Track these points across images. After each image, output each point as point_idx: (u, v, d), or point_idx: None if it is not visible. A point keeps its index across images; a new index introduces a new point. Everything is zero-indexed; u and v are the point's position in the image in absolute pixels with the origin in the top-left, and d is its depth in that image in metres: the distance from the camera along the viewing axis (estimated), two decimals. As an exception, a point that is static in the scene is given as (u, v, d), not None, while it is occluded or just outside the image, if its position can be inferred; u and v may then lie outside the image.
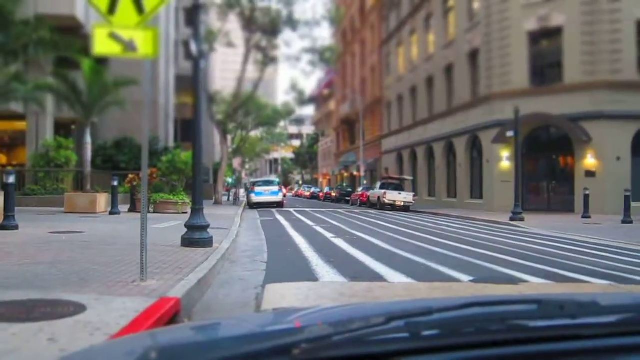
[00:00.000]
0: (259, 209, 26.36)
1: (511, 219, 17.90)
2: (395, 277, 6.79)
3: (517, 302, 1.16)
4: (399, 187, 29.85)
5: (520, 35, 24.31)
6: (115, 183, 16.81)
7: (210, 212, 12.27)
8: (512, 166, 20.92)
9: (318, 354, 0.80)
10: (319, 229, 14.58)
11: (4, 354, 2.98)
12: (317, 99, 78.04)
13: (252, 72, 29.95)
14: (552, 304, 1.14)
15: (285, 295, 5.60)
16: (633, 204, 17.56)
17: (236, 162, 56.51)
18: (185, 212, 15.52)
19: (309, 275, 6.83)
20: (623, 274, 7.33)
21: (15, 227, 10.36)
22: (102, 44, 5.27)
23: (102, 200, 17.52)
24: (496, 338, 0.90)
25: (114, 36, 5.27)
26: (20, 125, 24.43)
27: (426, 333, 0.90)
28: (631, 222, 16.65)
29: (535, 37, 24.41)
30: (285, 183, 71.26)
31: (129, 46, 5.29)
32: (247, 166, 78.55)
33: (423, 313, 0.99)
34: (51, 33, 16.36)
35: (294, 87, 41.50)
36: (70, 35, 18.26)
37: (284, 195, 32.36)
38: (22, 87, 17.34)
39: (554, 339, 0.92)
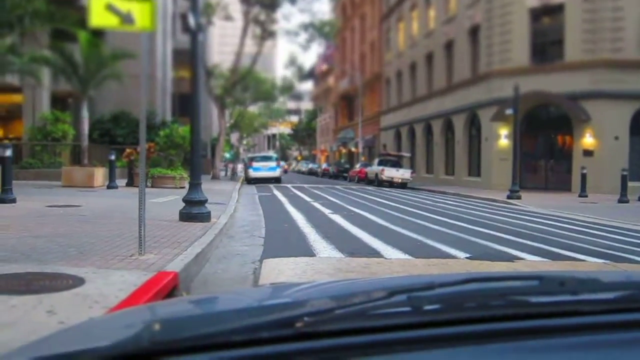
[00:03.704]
0: (256, 184, 26.38)
1: (508, 197, 17.95)
2: (392, 253, 6.83)
3: (518, 278, 1.17)
4: (396, 164, 29.82)
5: (522, 12, 24.06)
6: (113, 157, 16.77)
7: (208, 187, 12.27)
8: (511, 144, 20.90)
9: (320, 327, 0.81)
10: (316, 204, 14.61)
11: (4, 326, 3.00)
12: (316, 75, 77.51)
13: (250, 46, 29.68)
14: (553, 281, 1.15)
15: (282, 270, 5.63)
16: (630, 184, 17.62)
17: (234, 137, 56.38)
18: (183, 187, 15.51)
19: (307, 250, 6.86)
20: (619, 253, 7.39)
21: (13, 201, 10.36)
22: (98, 16, 5.19)
23: (100, 174, 17.48)
24: (497, 313, 0.91)
25: (110, 8, 5.19)
26: (16, 98, 24.25)
27: (428, 307, 0.90)
28: (627, 202, 16.73)
29: (537, 14, 24.17)
30: (283, 158, 71.20)
31: (126, 18, 5.22)
32: (245, 141, 78.30)
33: (424, 288, 0.99)
34: (47, 4, 16.13)
35: (292, 61, 41.10)
36: (66, 7, 17.99)
37: (285, 171, 32.25)
38: (18, 59, 17.16)
39: (554, 314, 0.92)
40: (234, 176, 32.94)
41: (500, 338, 0.85)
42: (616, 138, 22.03)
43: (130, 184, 17.47)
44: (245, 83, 32.71)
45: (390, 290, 0.95)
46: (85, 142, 18.39)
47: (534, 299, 1.03)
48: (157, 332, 0.84)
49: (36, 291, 3.76)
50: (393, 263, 6.23)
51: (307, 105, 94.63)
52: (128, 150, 18.56)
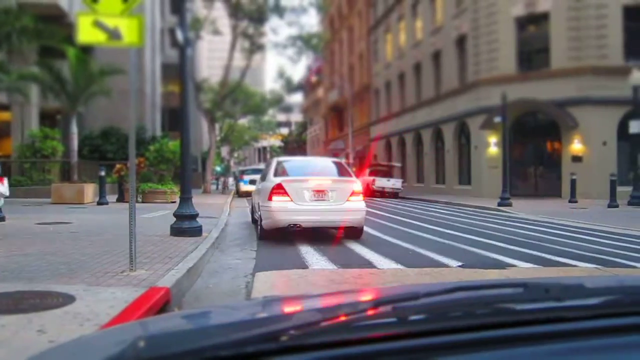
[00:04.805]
0: (248, 198, 26.30)
1: (499, 205, 18.02)
2: (384, 263, 6.83)
3: (503, 286, 1.18)
4: (387, 174, 29.90)
5: (508, 21, 24.33)
6: (103, 173, 16.69)
7: (199, 201, 12.23)
8: (500, 152, 21.03)
9: (306, 341, 0.81)
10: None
11: (-7, 346, 2.96)
12: (305, 87, 77.71)
13: (239, 59, 29.77)
14: (538, 288, 1.16)
15: (275, 283, 5.62)
16: (619, 189, 17.74)
17: (224, 150, 56.27)
18: (174, 202, 15.44)
19: (299, 262, 6.84)
20: (608, 257, 7.43)
21: (2, 219, 10.27)
22: (86, 33, 5.20)
23: (90, 190, 17.38)
24: (482, 321, 0.91)
25: (98, 24, 5.20)
26: (4, 115, 24.13)
27: (413, 318, 0.91)
28: (617, 206, 16.83)
29: (522, 23, 24.45)
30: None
31: (114, 34, 5.23)
32: (235, 154, 78.18)
33: (410, 298, 1.00)
34: (34, 22, 16.12)
35: (281, 74, 41.23)
36: (53, 23, 17.99)
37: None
38: (6, 77, 17.12)
39: (539, 321, 0.93)
40: (225, 190, 32.87)
41: (486, 346, 0.85)
42: (604, 143, 22.23)
43: (121, 199, 17.37)
44: (235, 96, 32.76)
45: (377, 302, 0.95)
46: (74, 159, 18.29)
47: (520, 307, 1.04)
48: (145, 349, 0.84)
49: (26, 310, 3.72)
50: (386, 273, 6.24)
51: (297, 117, 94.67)
52: (118, 166, 18.48)
